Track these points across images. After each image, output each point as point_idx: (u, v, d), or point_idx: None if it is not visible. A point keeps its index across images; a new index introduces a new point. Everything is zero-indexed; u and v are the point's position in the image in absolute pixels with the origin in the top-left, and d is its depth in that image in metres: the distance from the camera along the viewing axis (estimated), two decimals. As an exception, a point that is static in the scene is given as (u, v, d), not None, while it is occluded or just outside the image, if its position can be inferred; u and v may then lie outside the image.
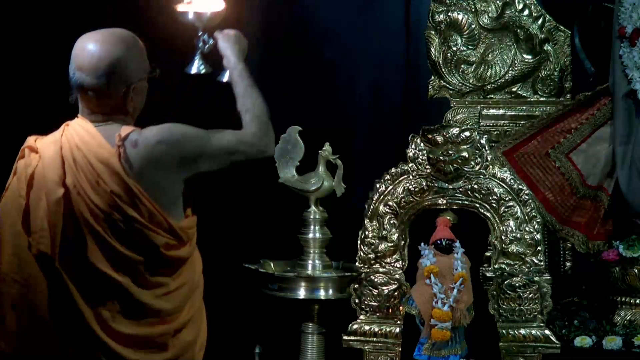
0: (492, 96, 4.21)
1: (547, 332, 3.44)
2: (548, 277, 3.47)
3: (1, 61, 4.17)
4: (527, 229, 3.49)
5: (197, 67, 2.88)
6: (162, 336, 2.52)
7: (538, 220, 3.51)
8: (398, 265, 3.55)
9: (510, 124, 4.16)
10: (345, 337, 3.54)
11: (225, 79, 2.82)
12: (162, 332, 2.52)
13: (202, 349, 2.66)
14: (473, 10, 4.21)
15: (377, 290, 3.52)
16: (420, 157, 3.57)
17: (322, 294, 3.63)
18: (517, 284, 3.44)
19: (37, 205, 2.48)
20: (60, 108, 2.68)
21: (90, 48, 2.53)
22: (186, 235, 2.55)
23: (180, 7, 2.81)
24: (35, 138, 2.62)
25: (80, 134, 2.53)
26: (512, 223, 3.50)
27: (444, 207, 3.59)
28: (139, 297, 2.48)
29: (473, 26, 4.21)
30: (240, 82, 2.73)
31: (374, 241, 3.56)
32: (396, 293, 3.51)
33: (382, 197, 3.58)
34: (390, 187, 3.58)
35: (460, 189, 3.54)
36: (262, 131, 2.63)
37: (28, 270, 2.48)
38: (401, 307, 3.49)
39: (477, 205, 3.53)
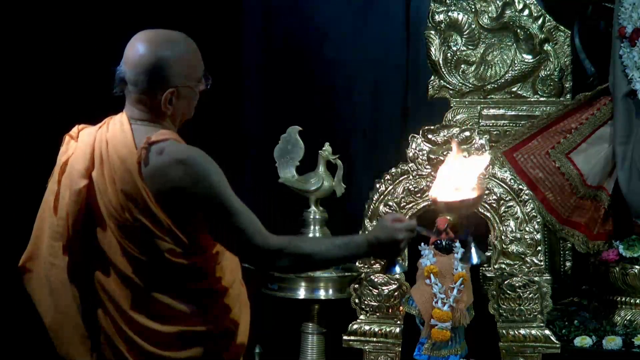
0: (492, 96, 4.21)
1: (547, 332, 3.44)
2: (548, 277, 3.47)
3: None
4: (527, 229, 3.49)
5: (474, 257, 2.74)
6: (181, 335, 2.52)
7: (538, 220, 3.51)
8: (398, 265, 3.54)
9: (510, 124, 4.16)
10: (345, 337, 3.54)
11: (398, 270, 2.69)
12: (180, 331, 2.52)
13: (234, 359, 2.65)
14: (473, 10, 4.21)
15: (377, 290, 3.52)
16: (420, 157, 3.57)
17: (322, 294, 3.63)
18: (517, 284, 3.44)
19: (64, 193, 2.53)
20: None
21: (138, 44, 2.53)
22: (197, 246, 2.52)
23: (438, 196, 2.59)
24: (82, 127, 2.63)
25: (114, 129, 2.55)
26: (512, 223, 3.50)
27: (444, 207, 3.58)
28: (155, 296, 2.49)
29: (473, 26, 4.21)
30: (341, 240, 2.60)
31: (373, 241, 3.55)
32: (396, 293, 3.51)
33: (382, 197, 3.58)
34: (390, 187, 3.58)
35: (460, 189, 3.53)
36: (282, 251, 2.48)
37: (61, 254, 2.52)
38: (401, 307, 3.49)
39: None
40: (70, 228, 2.50)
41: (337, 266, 2.61)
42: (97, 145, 2.54)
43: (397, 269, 2.66)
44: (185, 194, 2.46)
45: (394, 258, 2.63)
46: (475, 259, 2.69)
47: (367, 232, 2.66)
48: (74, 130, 2.63)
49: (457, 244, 3.46)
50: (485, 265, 3.83)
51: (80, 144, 2.57)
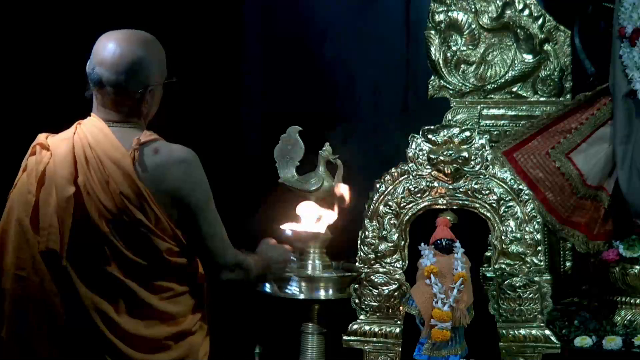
0: (492, 96, 4.21)
1: (547, 332, 3.44)
2: (548, 277, 3.47)
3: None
4: (527, 229, 3.49)
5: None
6: (166, 338, 2.52)
7: (538, 220, 3.51)
8: (398, 265, 3.55)
9: (510, 124, 4.16)
10: (345, 337, 3.54)
11: (267, 290, 2.95)
12: (166, 334, 2.52)
13: (206, 355, 2.67)
14: (473, 10, 4.21)
15: (377, 290, 3.52)
16: (420, 157, 3.57)
17: (322, 294, 3.61)
18: (517, 284, 3.44)
19: (46, 202, 2.49)
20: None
21: (113, 45, 2.53)
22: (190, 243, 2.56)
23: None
24: (47, 135, 2.62)
25: (93, 133, 2.54)
26: (512, 223, 3.50)
27: (444, 207, 3.59)
28: (145, 298, 2.48)
29: (473, 26, 4.21)
30: (252, 262, 2.76)
31: (374, 241, 3.56)
32: (396, 293, 3.51)
33: (382, 197, 3.58)
34: (390, 187, 3.58)
35: (460, 189, 3.54)
36: (241, 267, 2.64)
37: (34, 267, 2.48)
38: (401, 307, 3.49)
39: (477, 205, 3.53)
40: (62, 236, 2.46)
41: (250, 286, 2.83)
42: (79, 151, 2.51)
43: (268, 288, 2.80)
44: (181, 193, 2.48)
45: (275, 276, 2.77)
46: (268, 288, 3.03)
47: (259, 254, 2.83)
48: (41, 139, 2.60)
49: (457, 243, 3.46)
50: (485, 265, 3.83)
51: (57, 152, 2.54)
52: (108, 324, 2.46)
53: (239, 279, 2.65)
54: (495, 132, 4.13)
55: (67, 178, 2.48)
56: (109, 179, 2.46)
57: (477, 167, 3.53)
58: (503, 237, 3.50)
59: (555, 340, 3.44)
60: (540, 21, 4.17)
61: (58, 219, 2.46)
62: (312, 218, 3.17)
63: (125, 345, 2.47)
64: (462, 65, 4.22)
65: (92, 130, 2.54)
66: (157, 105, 2.67)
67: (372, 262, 3.55)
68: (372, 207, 3.59)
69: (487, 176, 3.53)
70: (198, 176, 2.52)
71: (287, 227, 2.86)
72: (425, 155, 3.56)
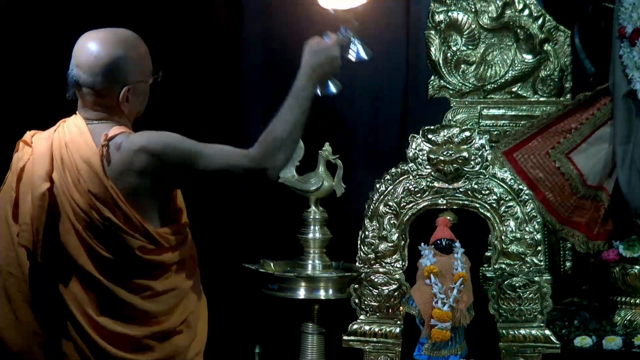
0: (492, 96, 4.21)
1: (547, 332, 3.44)
2: (548, 277, 3.47)
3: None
4: (527, 229, 3.49)
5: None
6: (148, 337, 2.51)
7: (538, 220, 3.51)
8: (398, 265, 3.55)
9: (510, 124, 4.16)
10: (345, 337, 3.54)
11: (334, 89, 2.78)
12: (148, 333, 2.51)
13: (198, 355, 2.65)
14: (473, 10, 4.21)
15: (377, 290, 3.52)
16: (420, 157, 3.57)
17: (322, 294, 3.63)
18: (517, 284, 3.44)
19: (24, 199, 2.50)
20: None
21: (89, 46, 2.53)
22: (166, 241, 2.54)
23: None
24: (33, 133, 2.63)
25: (71, 131, 2.55)
26: (512, 223, 3.50)
27: (444, 207, 3.59)
28: (123, 297, 2.48)
29: (473, 26, 4.20)
30: (287, 98, 2.67)
31: (374, 241, 3.56)
32: (396, 293, 3.52)
33: (382, 197, 3.58)
34: (390, 187, 3.59)
35: (460, 189, 3.54)
36: (268, 152, 2.55)
37: (18, 263, 2.50)
38: (401, 307, 3.49)
39: (477, 205, 3.53)
40: (35, 233, 2.46)
41: (305, 117, 2.71)
42: (56, 149, 2.52)
43: (333, 88, 2.71)
44: (162, 172, 2.47)
45: (332, 76, 2.72)
46: (363, 54, 2.85)
47: (300, 69, 2.71)
48: (26, 136, 2.62)
49: (457, 243, 3.47)
50: (485, 265, 3.83)
51: (37, 149, 2.55)
52: (88, 320, 2.46)
53: (280, 155, 2.57)
54: (495, 132, 4.12)
55: (42, 176, 2.50)
56: (80, 177, 2.47)
57: (477, 167, 3.53)
58: (503, 237, 3.50)
59: (555, 340, 3.44)
60: (540, 21, 4.16)
61: (32, 216, 2.47)
62: None
63: (106, 342, 2.46)
64: (462, 65, 4.22)
65: (71, 129, 2.55)
66: (144, 103, 2.67)
67: (372, 262, 3.55)
68: (372, 207, 3.59)
69: (487, 176, 3.53)
70: (165, 148, 2.48)
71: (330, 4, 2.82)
72: (425, 155, 3.56)
